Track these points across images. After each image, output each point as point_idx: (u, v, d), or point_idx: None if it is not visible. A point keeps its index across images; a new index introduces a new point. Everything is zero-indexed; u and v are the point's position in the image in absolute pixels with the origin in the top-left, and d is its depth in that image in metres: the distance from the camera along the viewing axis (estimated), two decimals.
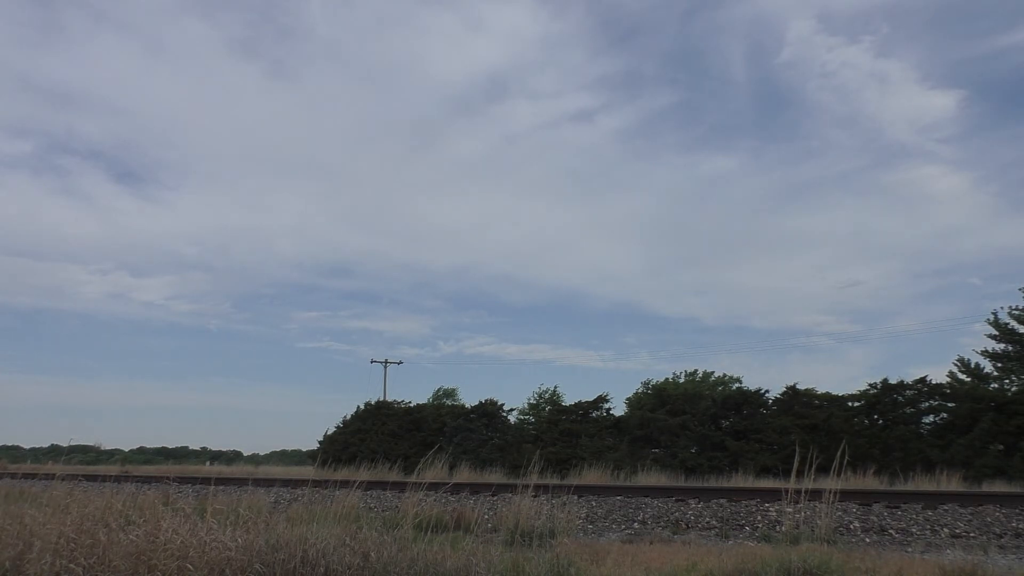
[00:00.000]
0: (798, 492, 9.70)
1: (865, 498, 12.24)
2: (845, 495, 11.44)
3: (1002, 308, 31.32)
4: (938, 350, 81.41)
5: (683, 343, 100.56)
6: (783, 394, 29.06)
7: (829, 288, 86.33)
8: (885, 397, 27.53)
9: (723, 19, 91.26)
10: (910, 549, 8.92)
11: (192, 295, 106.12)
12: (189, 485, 18.04)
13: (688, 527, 11.05)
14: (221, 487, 16.40)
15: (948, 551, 8.65)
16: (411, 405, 36.59)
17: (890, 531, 10.32)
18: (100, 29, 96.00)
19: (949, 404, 26.86)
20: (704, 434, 28.77)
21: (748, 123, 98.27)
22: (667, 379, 44.76)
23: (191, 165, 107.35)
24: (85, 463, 46.65)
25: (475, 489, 14.26)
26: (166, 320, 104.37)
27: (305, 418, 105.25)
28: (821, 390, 28.84)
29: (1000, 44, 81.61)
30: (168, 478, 18.44)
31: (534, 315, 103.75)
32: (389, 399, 39.31)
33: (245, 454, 77.35)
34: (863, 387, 28.21)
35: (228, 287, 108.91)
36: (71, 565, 5.33)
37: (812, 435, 25.14)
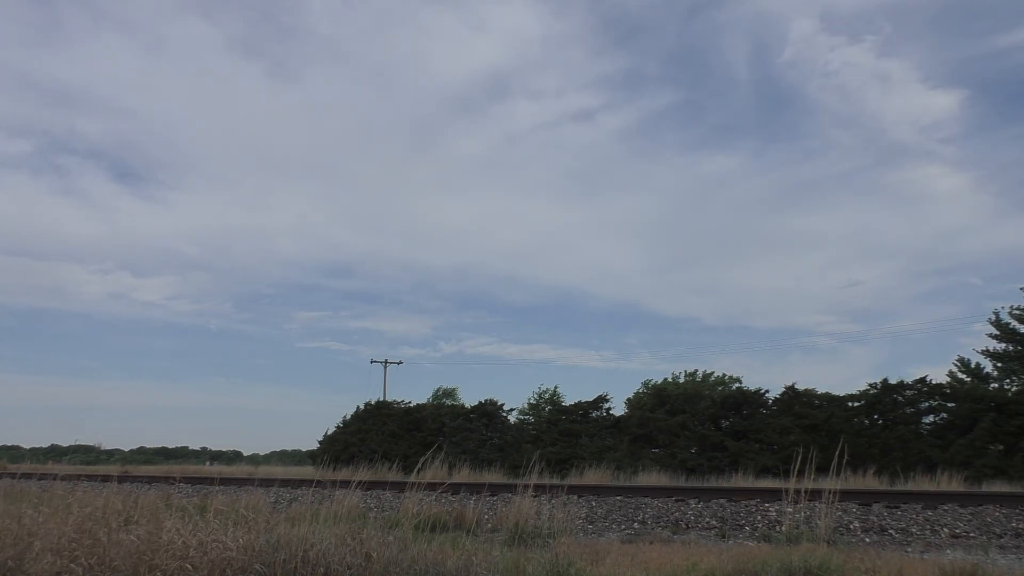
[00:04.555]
0: (798, 492, 9.70)
1: (865, 498, 12.24)
2: (845, 495, 11.43)
3: (1003, 308, 31.36)
4: (938, 350, 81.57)
5: (684, 343, 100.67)
6: (783, 394, 29.04)
7: (830, 288, 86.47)
8: (885, 397, 27.52)
9: (725, 18, 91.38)
10: (910, 549, 8.92)
11: (193, 295, 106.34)
12: (189, 485, 18.05)
13: (688, 527, 11.04)
14: (221, 487, 16.43)
15: (948, 551, 8.65)
16: (411, 405, 36.57)
17: (890, 531, 10.32)
18: (100, 28, 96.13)
19: (949, 404, 26.86)
20: (704, 434, 28.75)
21: (749, 123, 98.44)
22: (667, 379, 44.78)
23: (191, 165, 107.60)
24: (85, 463, 46.67)
25: (475, 489, 14.25)
26: (166, 320, 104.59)
27: (305, 418, 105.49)
28: (821, 390, 28.88)
29: (1002, 44, 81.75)
30: (175, 478, 18.50)
31: (534, 315, 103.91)
32: (389, 399, 39.32)
33: (245, 454, 77.57)
34: (863, 387, 28.27)
35: (229, 287, 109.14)
36: (72, 565, 5.32)
37: (812, 435, 25.10)
